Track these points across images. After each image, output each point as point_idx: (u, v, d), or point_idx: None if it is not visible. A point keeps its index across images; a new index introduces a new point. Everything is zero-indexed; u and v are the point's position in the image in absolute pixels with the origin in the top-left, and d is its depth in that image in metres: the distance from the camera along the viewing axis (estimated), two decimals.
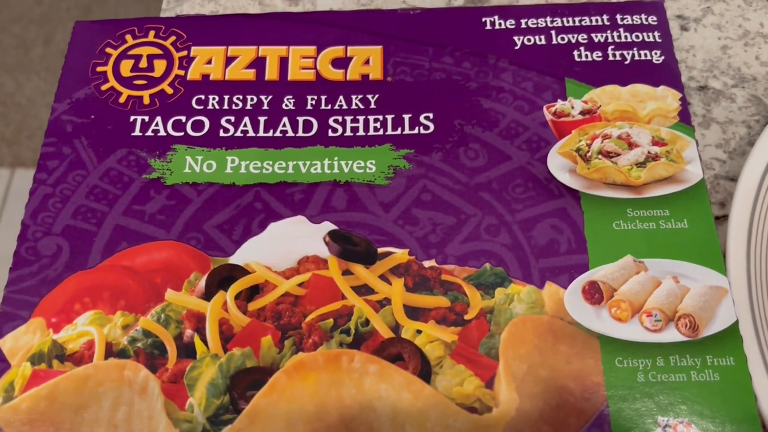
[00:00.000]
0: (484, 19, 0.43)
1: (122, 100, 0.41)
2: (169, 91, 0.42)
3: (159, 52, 0.43)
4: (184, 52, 0.43)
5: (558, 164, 0.39)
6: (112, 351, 0.35)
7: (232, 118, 0.41)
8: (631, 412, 0.33)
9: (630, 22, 0.43)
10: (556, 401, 0.33)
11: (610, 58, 0.42)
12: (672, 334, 0.34)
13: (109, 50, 0.43)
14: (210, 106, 0.41)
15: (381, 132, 0.40)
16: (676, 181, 0.38)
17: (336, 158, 0.40)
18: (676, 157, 0.38)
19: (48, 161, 0.39)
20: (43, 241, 0.37)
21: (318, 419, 0.33)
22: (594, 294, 0.35)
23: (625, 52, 0.42)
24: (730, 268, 0.37)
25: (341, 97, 0.41)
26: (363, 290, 0.36)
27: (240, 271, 0.37)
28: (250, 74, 0.42)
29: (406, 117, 0.41)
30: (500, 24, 0.43)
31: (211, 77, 0.42)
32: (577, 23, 0.43)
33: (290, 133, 0.40)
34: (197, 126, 0.41)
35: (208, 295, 0.36)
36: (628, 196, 0.38)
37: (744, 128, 0.44)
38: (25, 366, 0.34)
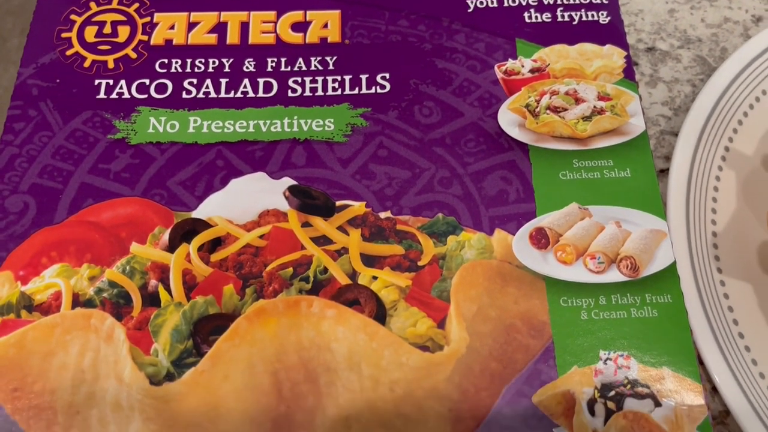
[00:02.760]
0: None
1: (87, 64, 0.42)
2: (133, 55, 0.43)
3: (122, 18, 0.44)
4: (147, 18, 0.44)
5: (508, 119, 0.40)
6: (79, 301, 0.36)
7: (195, 81, 0.42)
8: (574, 348, 0.35)
9: None
10: (505, 339, 0.35)
11: (559, 19, 0.43)
12: (614, 275, 0.36)
13: (73, 17, 0.44)
14: (173, 70, 0.42)
15: (339, 92, 0.42)
16: (620, 134, 0.40)
17: (295, 117, 0.41)
18: (621, 111, 0.40)
19: (14, 123, 0.40)
20: (11, 198, 0.38)
21: (278, 360, 0.34)
22: (541, 239, 0.37)
23: (573, 14, 0.44)
24: (670, 214, 0.39)
25: (300, 60, 0.43)
26: (321, 241, 0.38)
27: (202, 225, 0.38)
28: (212, 39, 0.43)
29: (363, 77, 0.42)
30: None
31: (174, 42, 0.43)
32: None
33: (251, 94, 0.42)
34: (160, 89, 0.42)
35: (171, 248, 0.37)
36: (575, 148, 0.40)
37: (689, 87, 0.46)
38: None
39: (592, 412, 0.33)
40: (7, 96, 0.41)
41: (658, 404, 0.33)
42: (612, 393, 0.33)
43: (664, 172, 0.43)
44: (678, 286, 0.36)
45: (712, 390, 0.38)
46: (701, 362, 0.36)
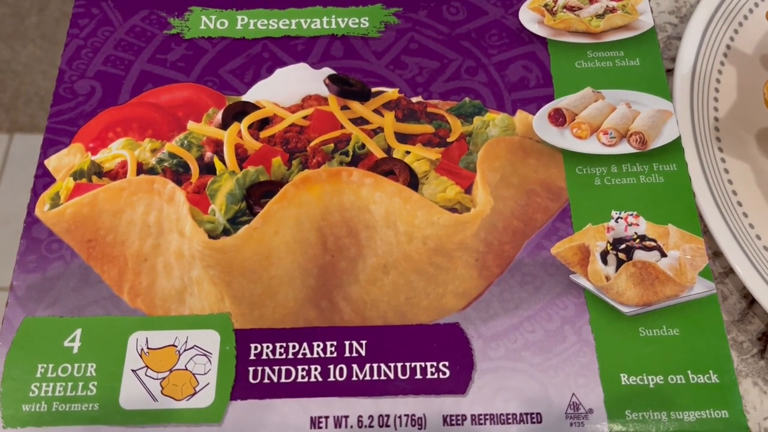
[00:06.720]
0: None
1: None
2: None
3: None
4: None
5: (528, 17, 0.44)
6: (142, 169, 0.40)
7: None
8: (589, 209, 0.39)
9: None
10: (525, 201, 0.39)
11: None
12: (624, 148, 0.40)
13: None
14: None
15: None
16: (630, 29, 0.44)
17: (333, 16, 0.45)
18: (631, 9, 0.44)
19: (79, 19, 0.44)
20: (79, 83, 0.42)
21: (322, 219, 0.38)
22: (558, 118, 0.41)
23: None
24: (676, 102, 0.43)
25: None
26: (359, 121, 0.42)
27: (252, 107, 0.42)
28: None
29: None
30: None
31: None
32: None
33: None
34: None
35: (224, 126, 0.41)
36: (589, 41, 0.43)
37: None
38: (68, 180, 0.39)
39: (605, 262, 0.37)
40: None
41: (663, 255, 0.37)
42: (623, 246, 0.37)
43: (671, 71, 0.47)
44: (682, 157, 0.40)
45: (714, 255, 0.41)
46: (705, 231, 0.40)
